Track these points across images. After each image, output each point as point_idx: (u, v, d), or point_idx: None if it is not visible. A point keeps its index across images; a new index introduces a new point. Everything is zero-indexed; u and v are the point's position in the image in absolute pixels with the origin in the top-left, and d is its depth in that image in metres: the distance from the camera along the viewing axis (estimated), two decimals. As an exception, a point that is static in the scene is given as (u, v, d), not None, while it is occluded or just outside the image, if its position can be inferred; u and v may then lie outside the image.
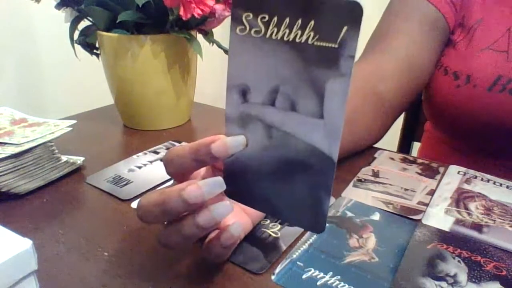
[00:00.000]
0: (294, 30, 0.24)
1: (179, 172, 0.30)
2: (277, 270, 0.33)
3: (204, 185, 0.27)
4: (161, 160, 0.52)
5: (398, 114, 0.59)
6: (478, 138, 0.58)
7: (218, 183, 0.28)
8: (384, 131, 0.57)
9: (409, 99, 0.58)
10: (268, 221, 0.39)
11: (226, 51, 0.62)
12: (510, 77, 0.52)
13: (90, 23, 0.61)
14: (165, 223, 0.30)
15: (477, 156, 0.60)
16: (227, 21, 0.63)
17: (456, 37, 0.58)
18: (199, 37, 0.61)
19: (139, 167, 0.50)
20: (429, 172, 0.50)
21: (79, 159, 0.49)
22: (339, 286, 0.31)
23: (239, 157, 0.29)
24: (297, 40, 0.24)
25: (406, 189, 0.46)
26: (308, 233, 0.38)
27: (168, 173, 0.30)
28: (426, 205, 0.43)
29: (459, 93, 0.56)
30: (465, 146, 0.62)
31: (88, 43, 0.62)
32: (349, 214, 0.41)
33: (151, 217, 0.28)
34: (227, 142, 0.28)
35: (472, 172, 0.49)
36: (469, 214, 0.41)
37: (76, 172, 0.49)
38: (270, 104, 0.27)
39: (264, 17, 0.25)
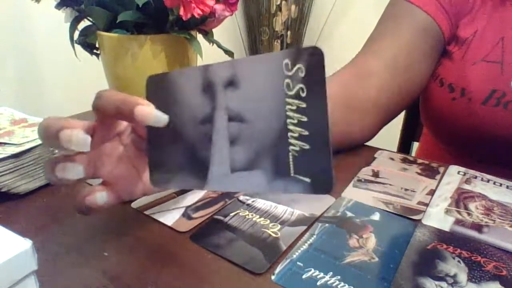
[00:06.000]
0: None
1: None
2: (277, 270, 0.33)
3: (155, 113, 0.29)
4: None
5: (389, 114, 0.58)
6: (475, 148, 0.59)
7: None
8: (376, 129, 0.57)
9: (399, 101, 0.57)
10: (268, 221, 0.39)
11: (226, 51, 0.62)
12: (504, 90, 0.52)
13: (90, 23, 0.61)
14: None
15: (476, 163, 0.60)
16: (227, 21, 0.63)
17: (452, 48, 0.57)
18: (199, 37, 0.61)
19: (139, 167, 0.50)
20: (429, 172, 0.50)
21: (79, 159, 0.49)
22: (339, 286, 0.31)
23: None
24: None
25: (406, 189, 0.46)
26: (308, 233, 0.38)
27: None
28: (426, 205, 0.43)
29: (455, 106, 0.56)
30: (462, 153, 0.62)
31: (88, 43, 0.62)
32: (349, 214, 0.41)
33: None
34: (153, 113, 0.29)
35: (472, 172, 0.49)
36: (469, 214, 0.41)
37: (76, 172, 0.49)
38: None
39: None
